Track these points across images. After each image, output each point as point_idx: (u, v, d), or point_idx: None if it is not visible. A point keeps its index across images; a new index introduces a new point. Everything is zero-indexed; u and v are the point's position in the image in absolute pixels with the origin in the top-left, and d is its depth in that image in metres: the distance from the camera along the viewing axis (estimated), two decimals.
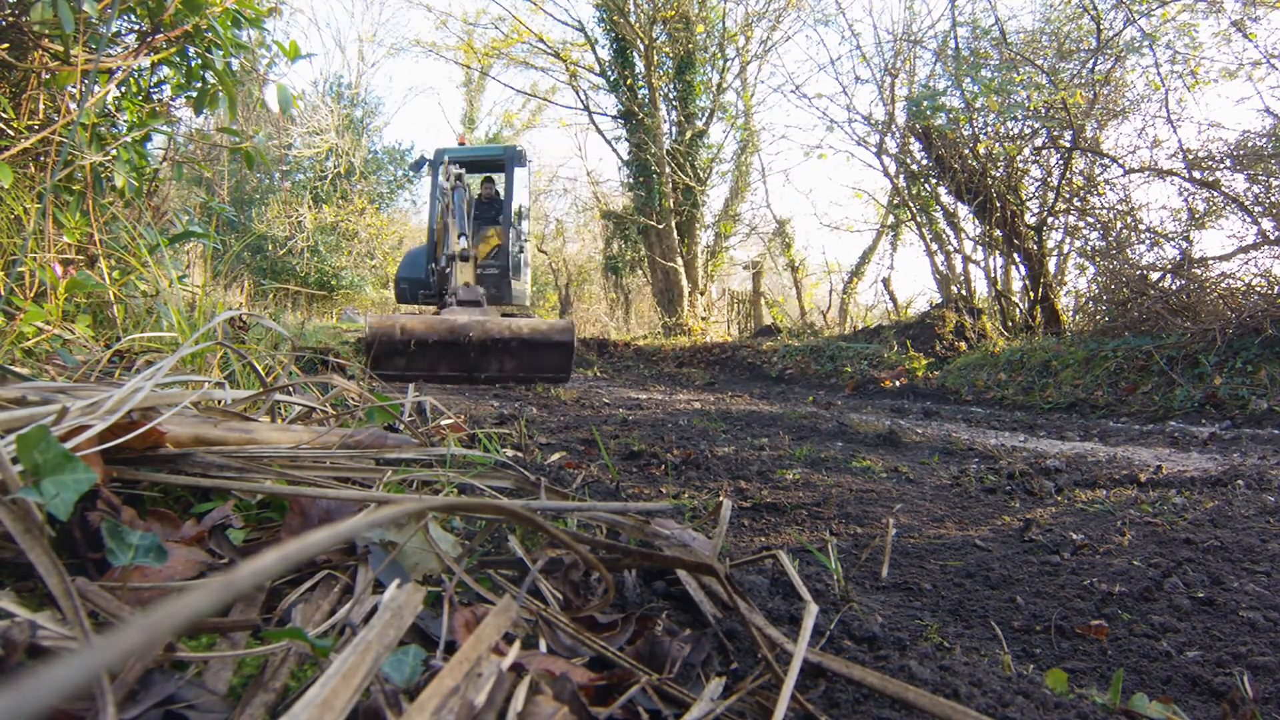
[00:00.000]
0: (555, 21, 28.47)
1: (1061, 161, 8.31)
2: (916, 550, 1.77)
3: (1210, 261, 6.72)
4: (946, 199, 10.07)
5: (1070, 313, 8.69)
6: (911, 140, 10.25)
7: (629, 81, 14.86)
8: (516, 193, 11.96)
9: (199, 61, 3.04)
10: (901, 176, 10.65)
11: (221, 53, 2.95)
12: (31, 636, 0.66)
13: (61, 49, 2.64)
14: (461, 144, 12.80)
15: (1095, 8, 7.64)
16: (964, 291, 9.89)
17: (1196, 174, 6.99)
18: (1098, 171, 8.35)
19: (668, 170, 14.46)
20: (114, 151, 2.82)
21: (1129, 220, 7.64)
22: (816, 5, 14.29)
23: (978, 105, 8.56)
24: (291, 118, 19.68)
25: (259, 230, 18.83)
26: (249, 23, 3.03)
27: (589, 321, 18.85)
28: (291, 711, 0.55)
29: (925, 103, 9.11)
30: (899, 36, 10.79)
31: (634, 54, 14.82)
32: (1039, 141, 8.76)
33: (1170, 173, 7.25)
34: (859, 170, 45.67)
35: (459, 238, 7.33)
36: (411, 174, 14.21)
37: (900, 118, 10.34)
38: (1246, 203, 6.58)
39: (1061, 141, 8.18)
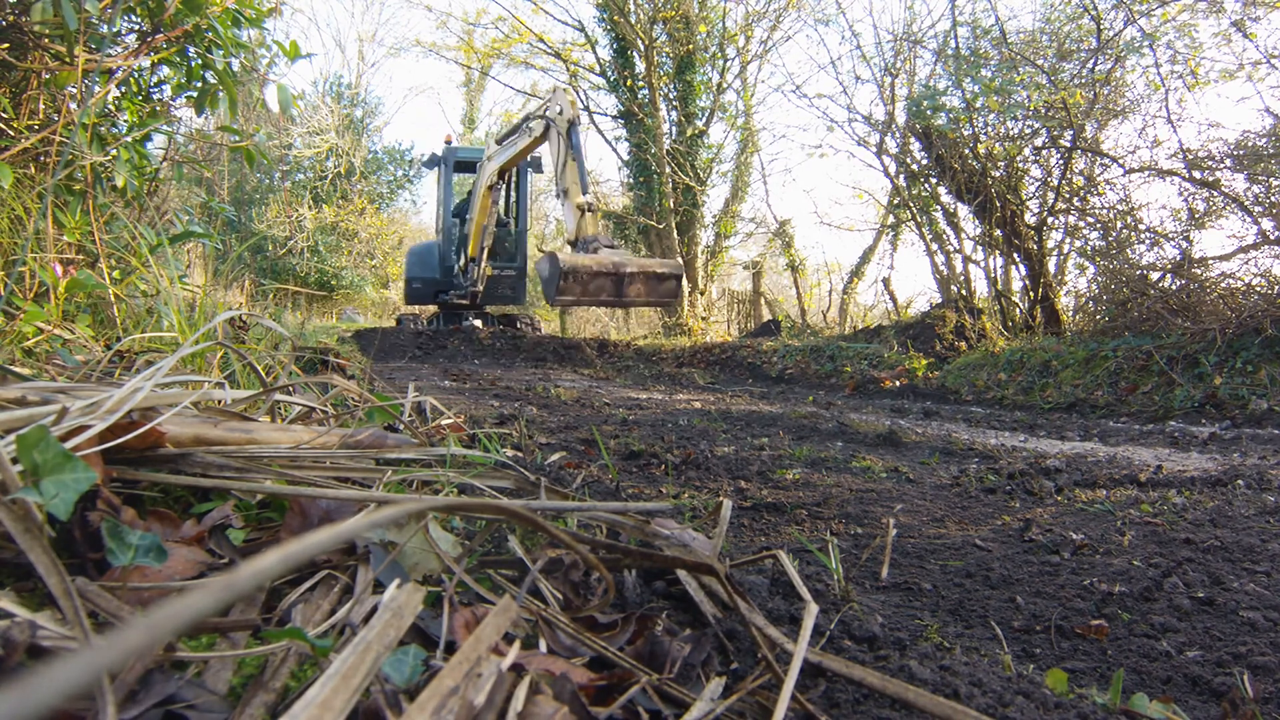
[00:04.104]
0: (555, 21, 28.47)
1: (1061, 161, 8.31)
2: (916, 550, 1.77)
3: (1210, 261, 6.71)
4: (946, 199, 10.06)
5: (1070, 313, 8.69)
6: (911, 140, 10.24)
7: (629, 82, 14.86)
8: (525, 196, 11.90)
9: (199, 61, 3.04)
10: (901, 176, 10.65)
11: (222, 52, 2.95)
12: (31, 636, 0.66)
13: (63, 49, 2.64)
14: (448, 142, 12.66)
15: (1095, 8, 7.64)
16: (964, 291, 9.89)
17: (1196, 174, 6.99)
18: (1098, 171, 8.35)
19: (668, 170, 14.46)
20: (114, 151, 2.82)
21: (1129, 220, 7.64)
22: (816, 5, 14.28)
23: (978, 105, 8.56)
24: (291, 118, 19.68)
25: (259, 230, 18.84)
26: (249, 22, 3.03)
27: (589, 321, 18.84)
28: (291, 711, 0.55)
29: (925, 103, 9.11)
30: (899, 36, 10.79)
31: (634, 54, 14.82)
32: (1039, 141, 8.75)
33: (1170, 173, 7.25)
34: (859, 170, 45.60)
35: (584, 192, 7.92)
36: (424, 169, 14.11)
37: (900, 118, 10.34)
38: (1246, 203, 6.58)
39: (1061, 141, 8.18)
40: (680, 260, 8.33)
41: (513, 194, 12.33)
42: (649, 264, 7.86)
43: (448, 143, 12.60)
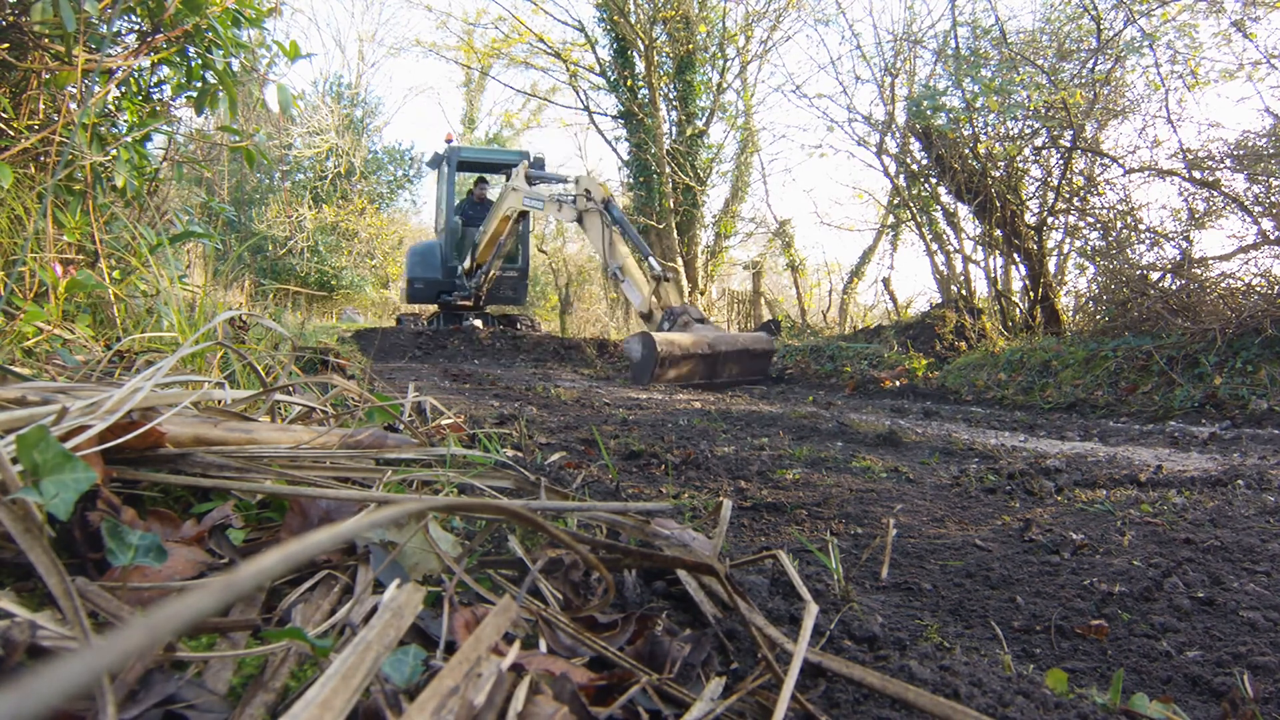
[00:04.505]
0: (555, 22, 28.52)
1: (1061, 161, 8.31)
2: (916, 550, 1.77)
3: (1210, 261, 6.71)
4: (946, 199, 10.06)
5: (1070, 313, 8.69)
6: (911, 140, 10.24)
7: (629, 82, 14.86)
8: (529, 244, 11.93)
9: (199, 61, 3.04)
10: (901, 176, 10.65)
11: (221, 52, 2.95)
12: (31, 636, 0.66)
13: (62, 49, 2.64)
14: (449, 141, 12.66)
15: (1095, 8, 7.64)
16: (964, 291, 9.89)
17: (1196, 174, 6.99)
18: (1098, 171, 8.35)
19: (668, 170, 14.46)
20: (114, 151, 2.82)
21: (1129, 220, 7.64)
22: (816, 5, 14.29)
23: (978, 105, 8.56)
24: (291, 118, 19.69)
25: (259, 230, 18.85)
26: (249, 22, 3.03)
27: (589, 321, 18.85)
28: (291, 711, 0.55)
29: (925, 103, 9.11)
30: (899, 36, 10.79)
31: (634, 54, 14.82)
32: (1039, 141, 8.75)
33: (1170, 173, 7.25)
34: (859, 170, 45.54)
35: (647, 259, 7.79)
36: (428, 167, 14.12)
37: (900, 118, 10.34)
38: (1246, 203, 6.58)
39: (1061, 141, 8.18)
40: (769, 336, 8.18)
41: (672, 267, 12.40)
42: (743, 340, 7.67)
43: (448, 141, 12.52)
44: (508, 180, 10.18)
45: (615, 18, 14.35)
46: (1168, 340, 5.91)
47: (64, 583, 0.72)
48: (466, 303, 11.73)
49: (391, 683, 0.69)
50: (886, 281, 12.65)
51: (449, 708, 0.63)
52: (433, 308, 12.77)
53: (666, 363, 6.77)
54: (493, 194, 12.14)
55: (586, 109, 15.83)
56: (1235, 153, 6.81)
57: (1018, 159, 8.88)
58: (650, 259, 7.68)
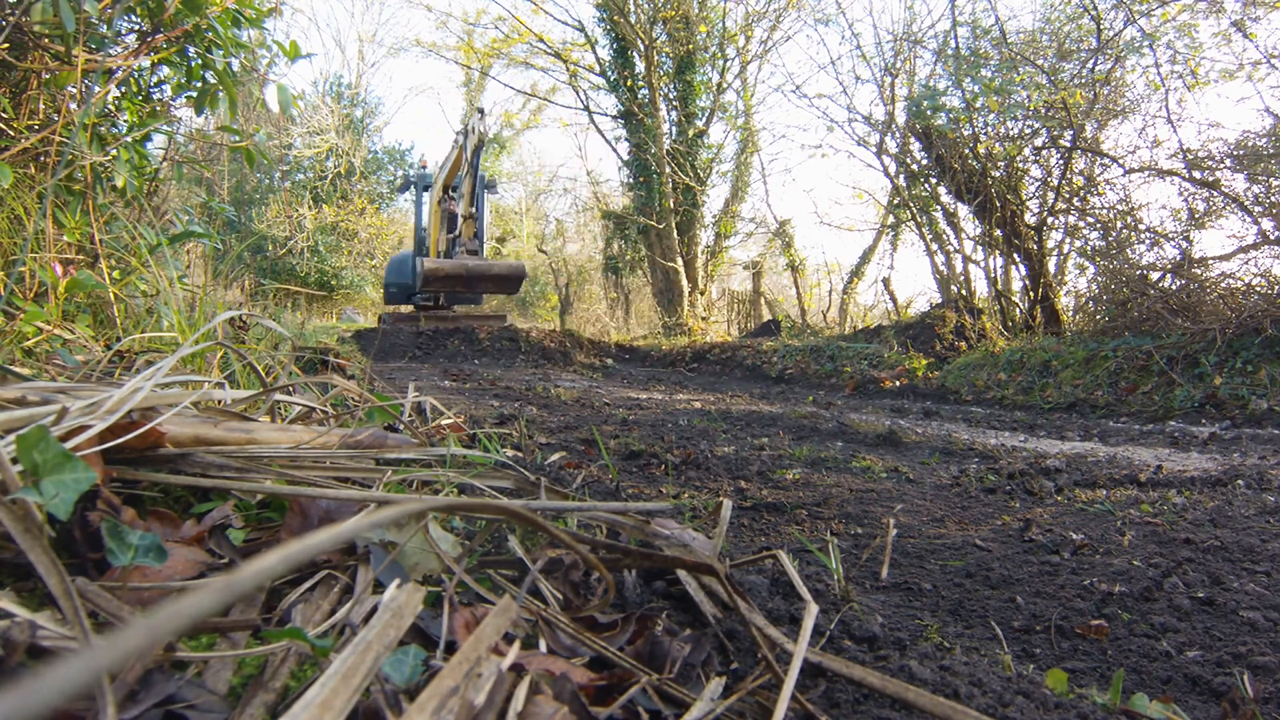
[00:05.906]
0: (555, 22, 28.48)
1: (1061, 161, 8.31)
2: (916, 550, 1.77)
3: (1210, 261, 6.71)
4: (946, 199, 10.06)
5: (1070, 313, 8.68)
6: (911, 140, 10.24)
7: (629, 81, 14.86)
8: (482, 211, 13.12)
9: (199, 61, 3.03)
10: (901, 176, 10.65)
11: (221, 52, 2.95)
12: (31, 636, 0.66)
13: (62, 49, 2.64)
14: (424, 168, 14.39)
15: (1095, 8, 7.64)
16: (964, 291, 9.89)
17: (1196, 174, 6.98)
18: (1098, 171, 8.34)
19: (668, 170, 14.46)
20: (114, 151, 2.82)
21: (1129, 220, 7.63)
22: (816, 5, 14.30)
23: (978, 105, 8.56)
24: (291, 118, 19.69)
25: (259, 230, 18.86)
26: (249, 22, 3.02)
27: (589, 321, 18.84)
28: (291, 712, 0.55)
29: (925, 103, 9.11)
30: (899, 36, 10.78)
31: (634, 54, 14.83)
32: (1039, 141, 8.75)
33: (1170, 173, 7.25)
34: (859, 170, 45.48)
35: (475, 206, 10.77)
36: (399, 193, 16.02)
37: (900, 118, 10.34)
38: (1246, 203, 6.58)
39: (1061, 141, 8.18)
40: (522, 263, 11.45)
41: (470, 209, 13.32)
42: (496, 268, 10.76)
43: (423, 168, 14.26)
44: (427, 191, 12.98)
45: (615, 18, 14.35)
46: (1168, 340, 5.91)
47: (64, 583, 0.72)
48: (429, 304, 13.15)
49: (391, 683, 0.69)
50: (886, 281, 12.65)
51: (449, 708, 0.63)
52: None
53: (430, 278, 10.25)
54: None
55: (586, 109, 15.83)
56: (1235, 153, 6.81)
57: (1018, 159, 8.88)
58: (473, 207, 10.63)
